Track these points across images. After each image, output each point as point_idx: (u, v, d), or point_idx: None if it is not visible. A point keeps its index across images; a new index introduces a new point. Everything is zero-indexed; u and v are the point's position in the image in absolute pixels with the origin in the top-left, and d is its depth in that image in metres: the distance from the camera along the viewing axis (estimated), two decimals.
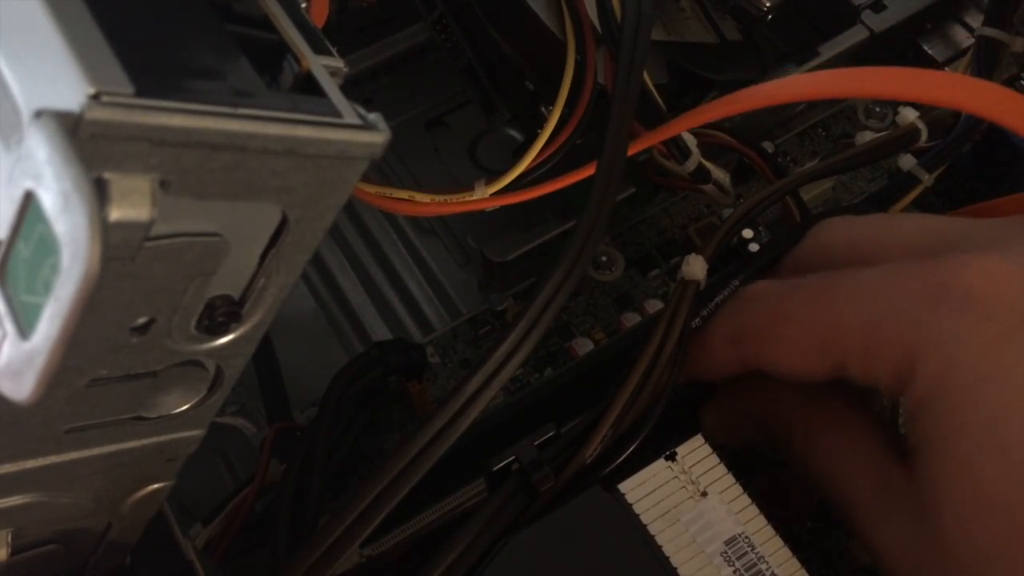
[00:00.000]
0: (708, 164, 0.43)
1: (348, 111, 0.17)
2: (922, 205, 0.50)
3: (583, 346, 0.46)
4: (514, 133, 0.53)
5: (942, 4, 0.51)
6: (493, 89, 0.46)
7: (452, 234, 0.51)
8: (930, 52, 0.52)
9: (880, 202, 0.45)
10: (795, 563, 0.33)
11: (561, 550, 0.33)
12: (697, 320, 0.38)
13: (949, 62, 0.51)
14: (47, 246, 0.14)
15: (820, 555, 0.42)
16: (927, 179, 0.44)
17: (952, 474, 0.28)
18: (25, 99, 0.15)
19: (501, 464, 0.35)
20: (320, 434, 0.38)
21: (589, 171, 0.38)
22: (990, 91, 0.32)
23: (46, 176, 0.14)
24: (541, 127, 0.40)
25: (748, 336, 0.34)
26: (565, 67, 0.40)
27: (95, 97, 0.14)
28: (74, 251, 0.14)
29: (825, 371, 0.31)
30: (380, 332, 0.49)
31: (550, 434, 0.36)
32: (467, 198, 0.40)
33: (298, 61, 0.18)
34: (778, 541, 0.34)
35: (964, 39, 0.52)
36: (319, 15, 0.33)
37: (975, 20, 0.52)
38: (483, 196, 0.40)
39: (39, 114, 0.14)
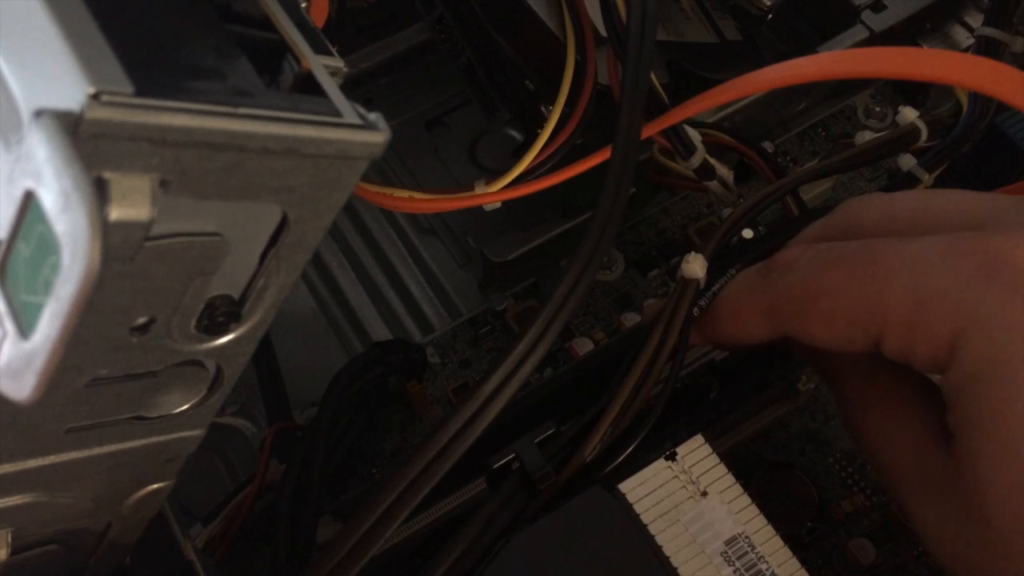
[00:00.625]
0: (712, 160, 0.43)
1: (348, 111, 0.17)
2: None
3: (583, 346, 0.46)
4: (514, 133, 0.53)
5: (942, 4, 0.51)
6: (493, 89, 0.46)
7: (452, 234, 0.51)
8: None
9: None
10: (795, 563, 0.33)
11: (561, 549, 0.33)
12: (696, 311, 0.38)
13: None
14: (47, 246, 0.15)
15: (820, 555, 0.42)
16: (927, 179, 0.44)
17: (997, 457, 0.27)
18: (25, 99, 0.15)
19: (501, 462, 0.35)
20: (320, 434, 0.38)
21: (591, 163, 0.39)
22: (985, 66, 0.32)
23: (46, 175, 0.14)
24: (541, 127, 0.40)
25: (784, 310, 0.32)
26: (565, 67, 0.40)
27: (95, 97, 0.14)
28: (74, 250, 0.14)
29: (859, 346, 0.30)
30: (380, 332, 0.49)
31: (550, 432, 0.36)
32: (467, 196, 0.40)
33: (298, 61, 0.18)
34: (778, 541, 0.33)
35: (964, 39, 0.52)
36: (319, 15, 0.33)
37: (975, 20, 0.52)
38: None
39: (39, 114, 0.14)
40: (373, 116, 0.18)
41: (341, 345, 0.49)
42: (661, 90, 0.41)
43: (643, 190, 0.48)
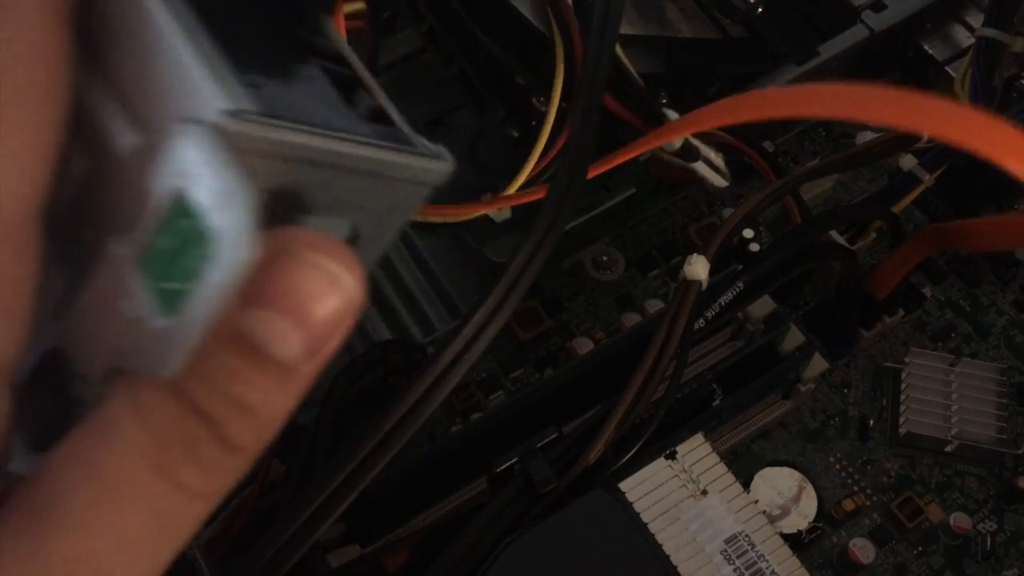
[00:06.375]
0: (695, 141, 0.45)
1: (419, 141, 0.22)
2: (923, 205, 0.53)
3: (583, 346, 0.49)
4: (515, 133, 0.55)
5: (942, 4, 0.54)
6: (485, 90, 0.49)
7: (453, 234, 0.53)
8: (930, 52, 0.55)
9: (881, 202, 0.48)
10: (795, 561, 0.36)
11: (562, 550, 0.36)
12: (700, 321, 0.41)
13: (949, 62, 0.54)
14: (193, 238, 0.18)
15: (820, 554, 0.45)
16: (928, 179, 0.47)
17: None
18: (169, 108, 0.19)
19: (504, 466, 0.38)
20: (321, 434, 0.41)
21: (597, 171, 0.41)
22: (999, 132, 0.35)
23: (204, 177, 0.18)
24: (535, 119, 0.43)
25: None
26: (556, 63, 0.42)
27: (234, 113, 0.19)
28: (234, 243, 0.18)
29: None
30: (381, 332, 0.51)
31: (552, 436, 0.39)
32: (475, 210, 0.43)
33: (370, 94, 0.22)
34: (778, 540, 0.37)
35: (964, 39, 0.55)
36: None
37: (975, 20, 0.55)
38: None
39: (197, 122, 0.18)
40: (437, 147, 0.22)
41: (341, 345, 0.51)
42: (635, 73, 0.43)
43: (643, 190, 0.51)
